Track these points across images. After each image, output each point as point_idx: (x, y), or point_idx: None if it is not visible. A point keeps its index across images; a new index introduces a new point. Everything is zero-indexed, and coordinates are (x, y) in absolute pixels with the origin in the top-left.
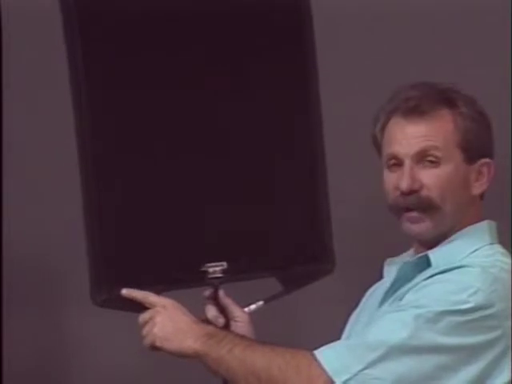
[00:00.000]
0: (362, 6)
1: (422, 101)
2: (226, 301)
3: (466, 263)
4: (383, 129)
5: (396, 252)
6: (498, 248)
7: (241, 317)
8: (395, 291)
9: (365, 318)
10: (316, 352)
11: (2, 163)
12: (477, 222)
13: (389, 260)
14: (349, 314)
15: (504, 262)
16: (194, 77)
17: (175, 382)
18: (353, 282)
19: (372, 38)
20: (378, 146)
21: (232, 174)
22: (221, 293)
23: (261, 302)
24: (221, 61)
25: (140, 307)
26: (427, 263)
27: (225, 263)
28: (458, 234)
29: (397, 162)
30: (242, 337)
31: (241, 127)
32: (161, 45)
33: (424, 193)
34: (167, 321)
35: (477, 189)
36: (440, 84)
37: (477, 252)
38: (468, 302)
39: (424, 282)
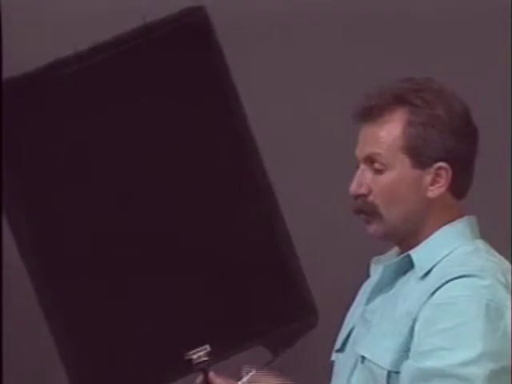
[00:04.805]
0: (361, 6)
1: (377, 103)
2: (217, 381)
3: (464, 273)
4: None
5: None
6: (480, 244)
7: None
8: (380, 291)
9: (357, 315)
10: None
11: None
12: (452, 220)
13: (375, 258)
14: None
15: (494, 262)
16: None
17: None
18: None
19: (372, 37)
20: None
21: (195, 253)
22: (211, 374)
23: (253, 372)
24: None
25: None
26: (410, 264)
27: (207, 346)
28: (437, 232)
29: (357, 165)
30: None
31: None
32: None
33: (370, 198)
34: None
35: (433, 192)
36: (408, 81)
37: (459, 250)
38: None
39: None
